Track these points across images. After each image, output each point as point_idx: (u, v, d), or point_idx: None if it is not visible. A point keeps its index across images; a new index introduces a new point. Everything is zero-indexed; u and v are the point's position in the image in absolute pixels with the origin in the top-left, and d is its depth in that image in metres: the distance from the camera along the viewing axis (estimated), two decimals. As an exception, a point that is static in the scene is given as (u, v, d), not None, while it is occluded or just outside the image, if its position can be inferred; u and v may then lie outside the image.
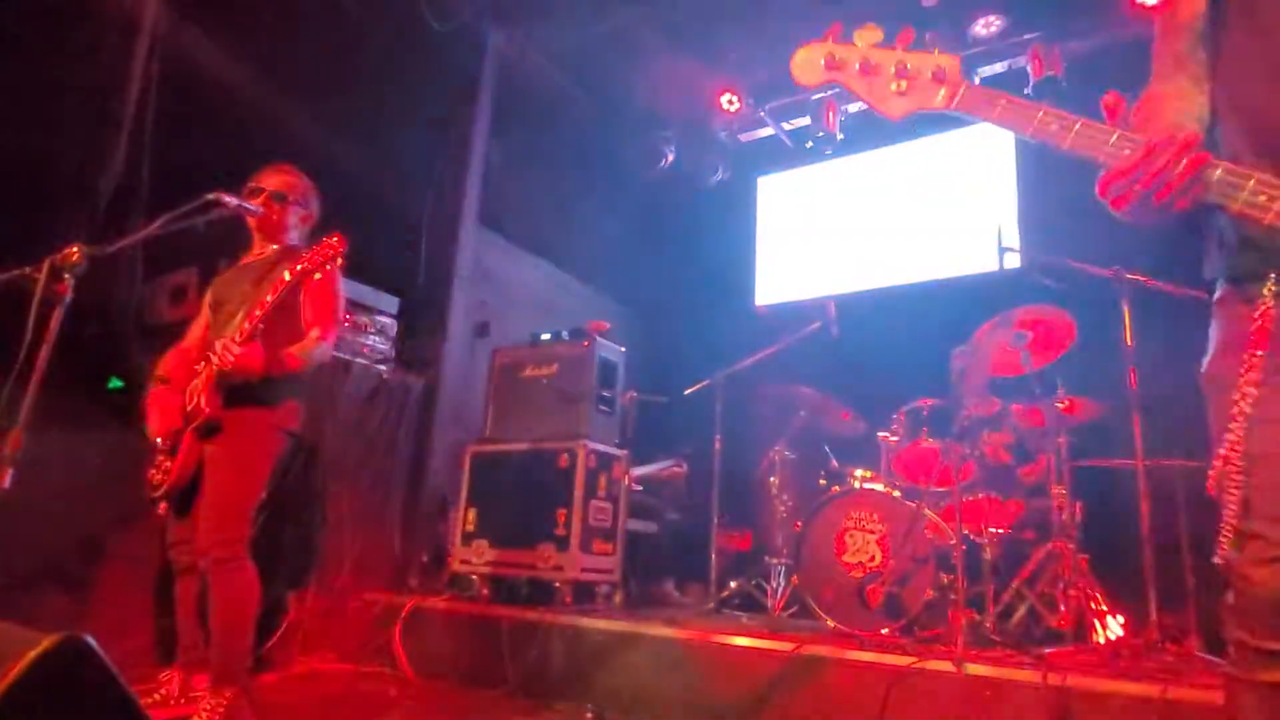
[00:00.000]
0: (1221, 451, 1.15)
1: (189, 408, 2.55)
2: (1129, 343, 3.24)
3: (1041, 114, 1.13)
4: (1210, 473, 1.17)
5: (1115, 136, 1.10)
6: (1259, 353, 1.11)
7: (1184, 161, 1.05)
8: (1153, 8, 1.16)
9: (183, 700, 2.60)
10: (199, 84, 3.99)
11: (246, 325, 2.44)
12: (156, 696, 2.63)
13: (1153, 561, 2.98)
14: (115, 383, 3.56)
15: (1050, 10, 5.09)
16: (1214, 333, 1.23)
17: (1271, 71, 1.10)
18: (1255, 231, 1.10)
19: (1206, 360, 1.24)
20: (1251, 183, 1.04)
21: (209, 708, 2.37)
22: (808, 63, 1.26)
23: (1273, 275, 1.10)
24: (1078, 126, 1.11)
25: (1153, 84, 1.27)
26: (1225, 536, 1.14)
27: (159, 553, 2.90)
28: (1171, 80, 1.24)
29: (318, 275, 2.50)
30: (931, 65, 1.19)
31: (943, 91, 1.18)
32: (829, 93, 5.84)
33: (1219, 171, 1.06)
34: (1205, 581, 3.23)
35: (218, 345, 2.45)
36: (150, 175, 3.68)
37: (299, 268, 2.44)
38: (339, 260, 2.50)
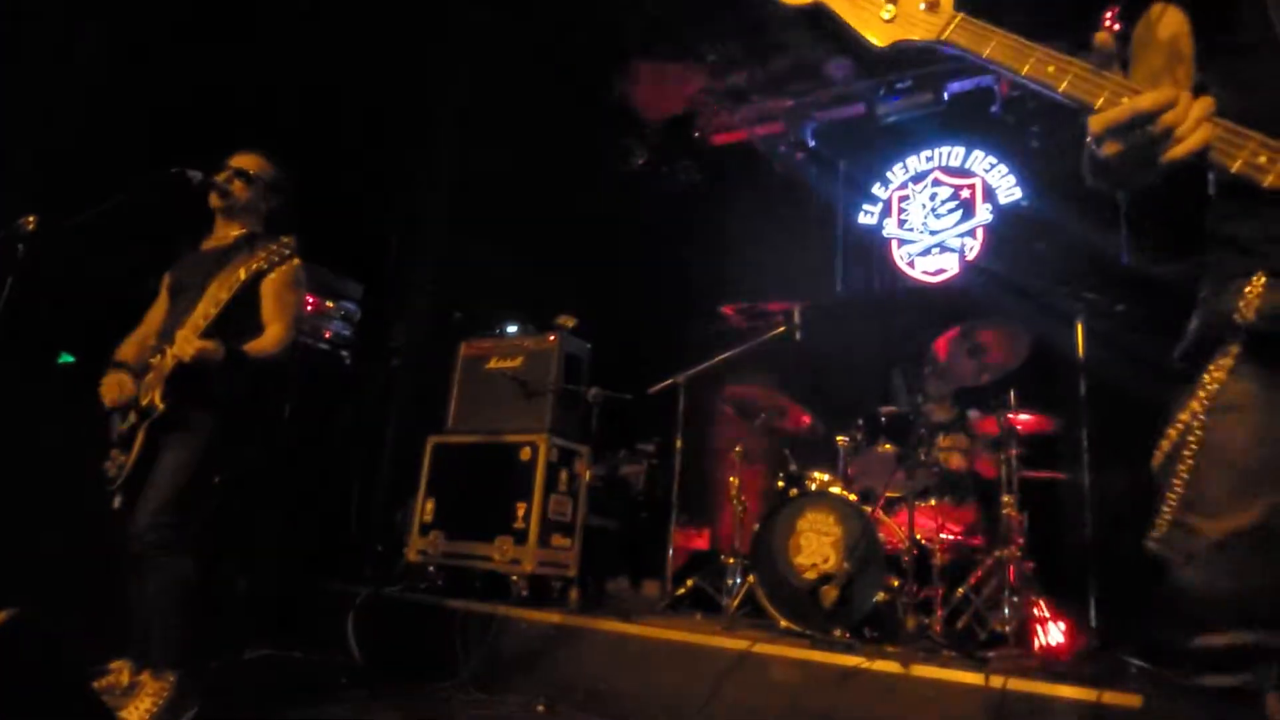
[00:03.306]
0: (1170, 431, 1.13)
1: (144, 402, 2.50)
2: (1080, 357, 3.34)
3: (1038, 54, 1.07)
4: (1157, 450, 1.16)
5: (1115, 84, 1.04)
6: (1235, 344, 1.10)
7: (1196, 110, 1.00)
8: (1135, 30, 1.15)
9: (131, 692, 2.55)
10: (169, 58, 3.90)
11: (203, 321, 2.40)
12: (103, 683, 2.58)
13: (1093, 572, 3.08)
14: (66, 357, 3.47)
15: (1019, 30, 5.20)
16: (1194, 321, 1.20)
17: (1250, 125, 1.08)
18: (1252, 221, 1.09)
19: (1181, 346, 1.21)
20: (1253, 143, 1.00)
21: (153, 693, 2.33)
22: None
23: (1259, 272, 1.08)
24: (1075, 69, 1.06)
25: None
26: (1163, 520, 1.13)
27: (107, 538, 2.84)
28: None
29: (272, 275, 2.47)
30: None
31: (934, 22, 1.12)
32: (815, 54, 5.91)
33: (1220, 130, 1.01)
34: (1143, 592, 3.35)
35: (177, 337, 2.39)
36: (112, 146, 3.59)
37: (254, 267, 2.40)
38: (294, 260, 2.46)
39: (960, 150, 5.96)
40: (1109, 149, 1.05)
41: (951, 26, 1.11)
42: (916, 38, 1.11)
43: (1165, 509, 1.12)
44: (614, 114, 6.33)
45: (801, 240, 6.44)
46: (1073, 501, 4.02)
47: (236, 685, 3.04)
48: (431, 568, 3.97)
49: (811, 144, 5.95)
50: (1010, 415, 3.64)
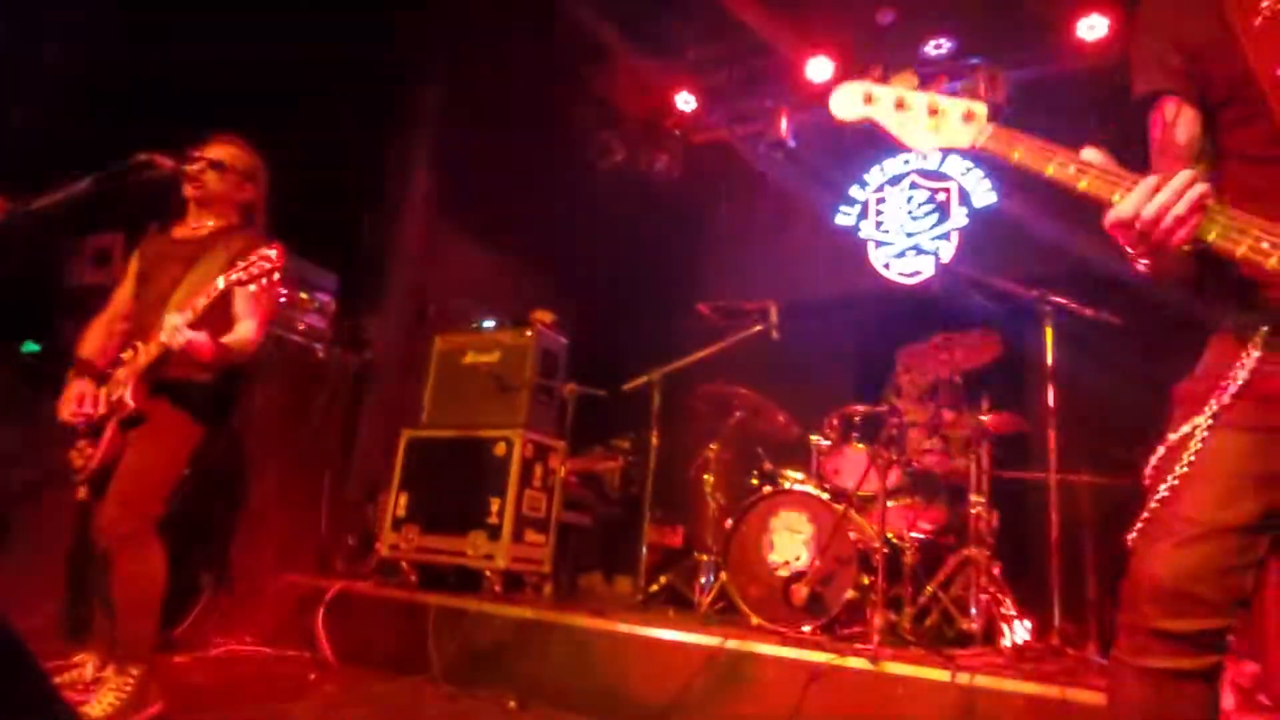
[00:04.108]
0: (1171, 439, 1.22)
1: (114, 398, 2.44)
2: (1049, 362, 3.40)
3: (1060, 157, 1.17)
4: (1150, 464, 1.24)
5: (1130, 181, 1.12)
6: (1224, 395, 1.19)
7: (1188, 196, 1.08)
8: (1149, 127, 1.24)
9: (94, 686, 2.50)
10: (136, 38, 3.82)
11: (191, 314, 2.33)
12: (67, 676, 2.54)
13: (1059, 571, 3.14)
14: (30, 346, 3.40)
15: (997, 38, 5.28)
16: (1204, 359, 1.29)
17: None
18: (1253, 289, 1.18)
19: (1188, 380, 1.29)
20: (1255, 230, 1.08)
21: (115, 687, 2.29)
22: (847, 98, 1.32)
23: (1265, 328, 1.17)
24: (1093, 170, 1.15)
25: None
26: (1139, 524, 1.21)
27: (69, 530, 2.79)
28: None
29: (252, 288, 2.37)
30: (963, 108, 1.26)
31: (969, 131, 1.24)
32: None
33: (1224, 216, 1.09)
34: (1106, 592, 3.42)
35: (167, 323, 2.32)
36: (80, 130, 3.51)
37: (233, 277, 2.32)
38: (276, 275, 2.39)
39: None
40: (1122, 240, 1.14)
41: (985, 136, 1.23)
42: (956, 146, 1.25)
43: (1152, 505, 1.21)
44: (594, 109, 6.32)
45: (778, 240, 6.48)
46: (1041, 502, 4.09)
47: (202, 680, 3.00)
48: (404, 562, 3.94)
49: (790, 144, 5.98)
50: (982, 415, 3.69)
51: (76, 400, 2.50)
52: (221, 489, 3.68)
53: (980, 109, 1.24)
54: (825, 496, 3.60)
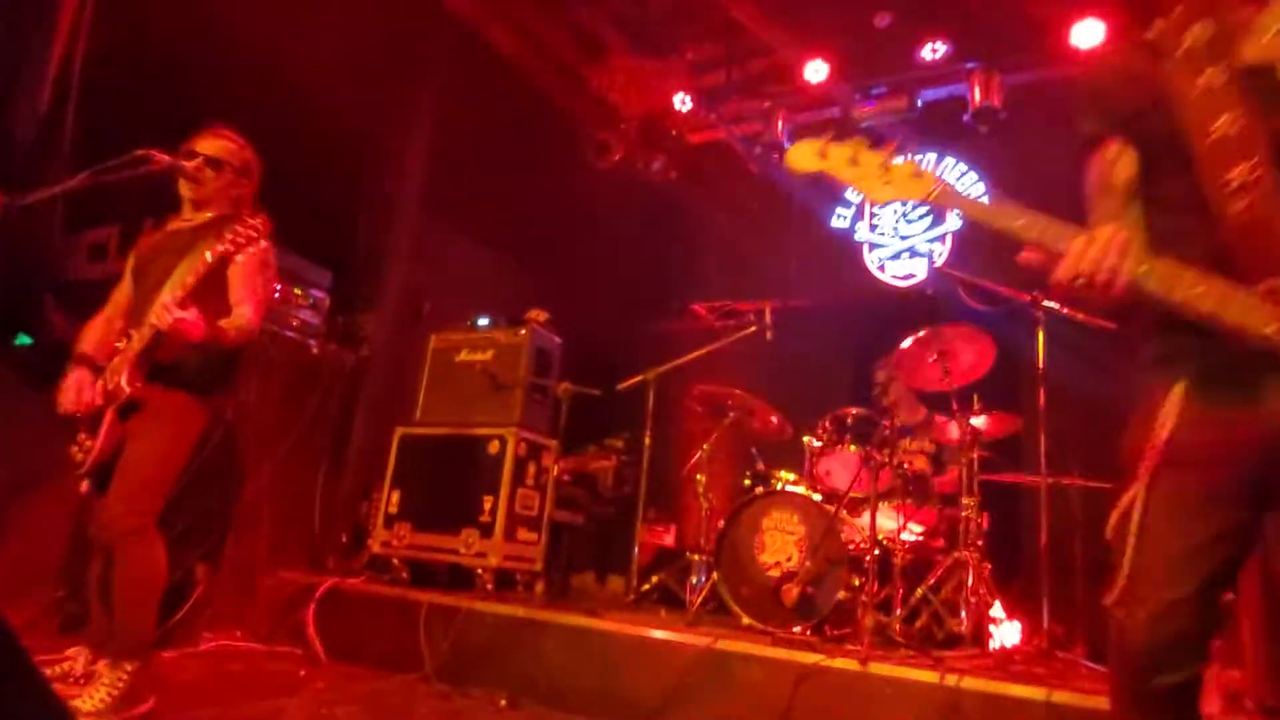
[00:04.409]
0: (1120, 504, 1.32)
1: (110, 387, 2.44)
2: (1041, 365, 3.42)
3: (1008, 210, 1.30)
4: (1110, 521, 1.34)
5: (1073, 231, 1.25)
6: (1163, 435, 1.28)
7: (1115, 245, 1.20)
8: (1086, 167, 1.37)
9: (85, 679, 2.50)
10: (133, 33, 3.81)
11: (181, 292, 2.33)
12: (58, 669, 2.53)
13: (1048, 574, 3.16)
14: (23, 339, 3.39)
15: (993, 42, 5.30)
16: (1138, 407, 1.37)
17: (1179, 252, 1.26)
18: (1178, 336, 1.28)
19: (1128, 434, 1.38)
20: (1189, 275, 1.18)
21: (108, 683, 2.29)
22: (803, 153, 1.43)
23: (1185, 380, 1.27)
24: (1040, 223, 1.27)
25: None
26: (1116, 585, 1.31)
27: (64, 524, 2.79)
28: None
29: (240, 258, 2.41)
30: (911, 168, 1.38)
31: (921, 186, 1.37)
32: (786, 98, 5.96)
33: (1161, 266, 1.20)
34: (1095, 595, 3.44)
35: (155, 306, 2.32)
36: (76, 124, 3.50)
37: (220, 250, 2.34)
38: (263, 242, 2.41)
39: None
40: (1071, 293, 1.27)
41: (934, 192, 1.37)
42: (907, 197, 1.38)
43: (1118, 576, 1.32)
44: (592, 109, 6.32)
45: (775, 241, 6.50)
46: (1032, 505, 4.11)
47: (193, 675, 3.00)
48: (396, 560, 3.94)
49: (787, 145, 5.99)
50: (973, 419, 3.71)
51: (75, 389, 2.50)
52: (214, 484, 3.67)
53: (927, 169, 1.38)
54: (817, 498, 3.61)
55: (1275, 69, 1.23)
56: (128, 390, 2.38)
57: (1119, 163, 1.38)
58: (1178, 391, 1.27)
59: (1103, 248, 1.19)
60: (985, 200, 1.33)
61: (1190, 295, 1.18)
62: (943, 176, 1.40)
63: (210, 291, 2.47)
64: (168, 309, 2.28)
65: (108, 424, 2.43)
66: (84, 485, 2.50)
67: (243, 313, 2.53)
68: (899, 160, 1.38)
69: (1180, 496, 1.28)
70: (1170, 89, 1.27)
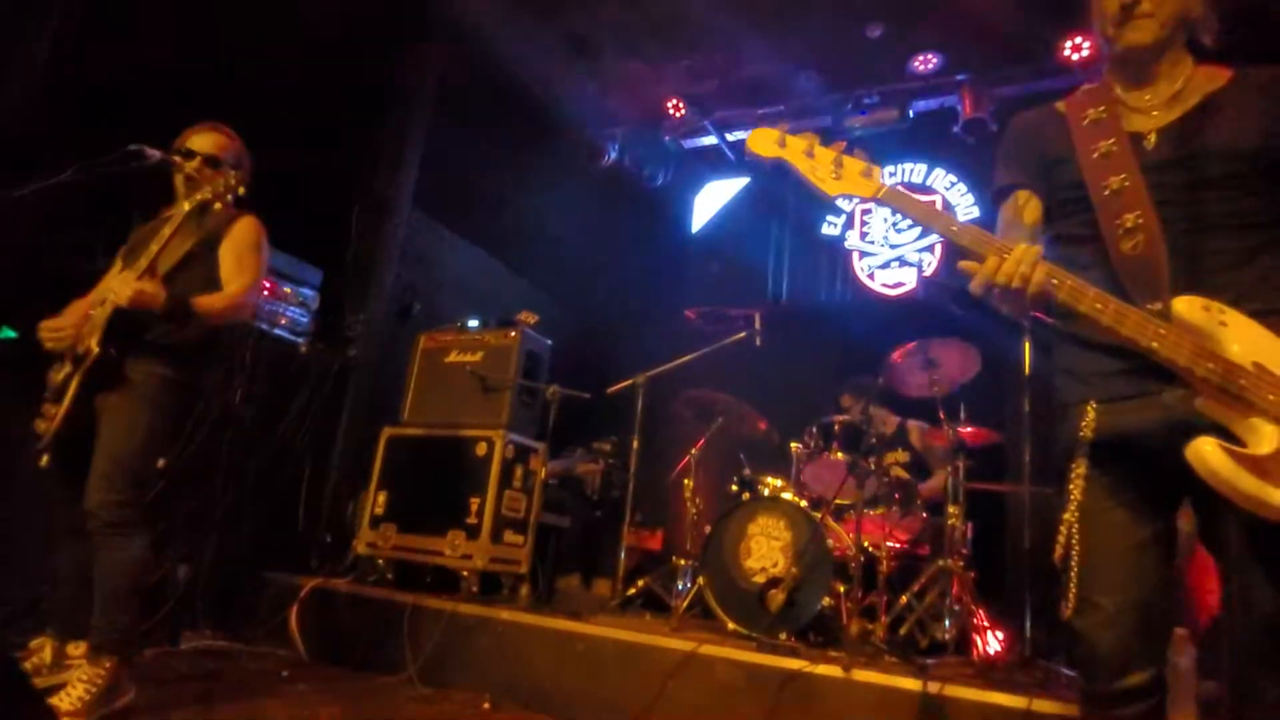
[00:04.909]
0: (1060, 530, 1.46)
1: (79, 350, 2.40)
2: (1026, 374, 3.44)
3: (945, 218, 1.50)
4: (1056, 545, 1.47)
5: (997, 244, 1.43)
6: (1084, 452, 1.45)
7: (1028, 259, 1.38)
8: (1001, 209, 1.69)
9: (56, 669, 2.47)
10: (123, 29, 3.79)
11: (144, 262, 2.33)
12: (28, 665, 2.49)
13: (1030, 583, 3.18)
14: (7, 332, 3.36)
15: (984, 54, 5.35)
16: (1061, 430, 1.54)
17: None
18: (1082, 352, 1.49)
19: (1057, 449, 1.54)
20: (1093, 292, 1.37)
21: (87, 678, 2.26)
22: (764, 138, 1.52)
23: (1092, 401, 1.46)
24: (970, 231, 1.45)
25: None
26: (1069, 600, 1.44)
27: (37, 516, 2.75)
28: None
29: (217, 206, 2.36)
30: (861, 166, 1.50)
31: (869, 184, 1.50)
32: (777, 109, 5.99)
33: (1071, 281, 1.37)
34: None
35: (115, 281, 2.31)
36: (65, 119, 3.48)
37: (198, 198, 2.33)
38: (240, 190, 2.36)
39: (922, 167, 6.10)
40: (988, 300, 1.45)
41: (882, 191, 1.49)
42: (856, 193, 1.50)
43: (1071, 590, 1.44)
44: (586, 112, 6.33)
45: (766, 247, 6.52)
46: (1016, 514, 4.14)
47: (173, 675, 2.98)
48: (381, 561, 3.93)
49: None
50: (959, 427, 3.73)
51: (53, 328, 2.49)
52: (199, 481, 3.65)
53: (876, 169, 1.50)
54: (803, 504, 3.62)
55: (1150, 139, 1.49)
56: (95, 350, 2.34)
57: (1027, 207, 1.62)
58: (1090, 410, 1.45)
59: (1018, 259, 1.37)
60: (925, 202, 1.46)
61: (1093, 308, 1.36)
62: (936, 186, 1.48)
63: (198, 264, 2.46)
64: (126, 283, 2.26)
65: (73, 392, 2.37)
66: (44, 459, 2.44)
67: (232, 290, 2.51)
68: (850, 158, 1.50)
69: (1110, 503, 1.43)
70: (1075, 150, 1.54)
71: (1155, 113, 1.52)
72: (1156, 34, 1.50)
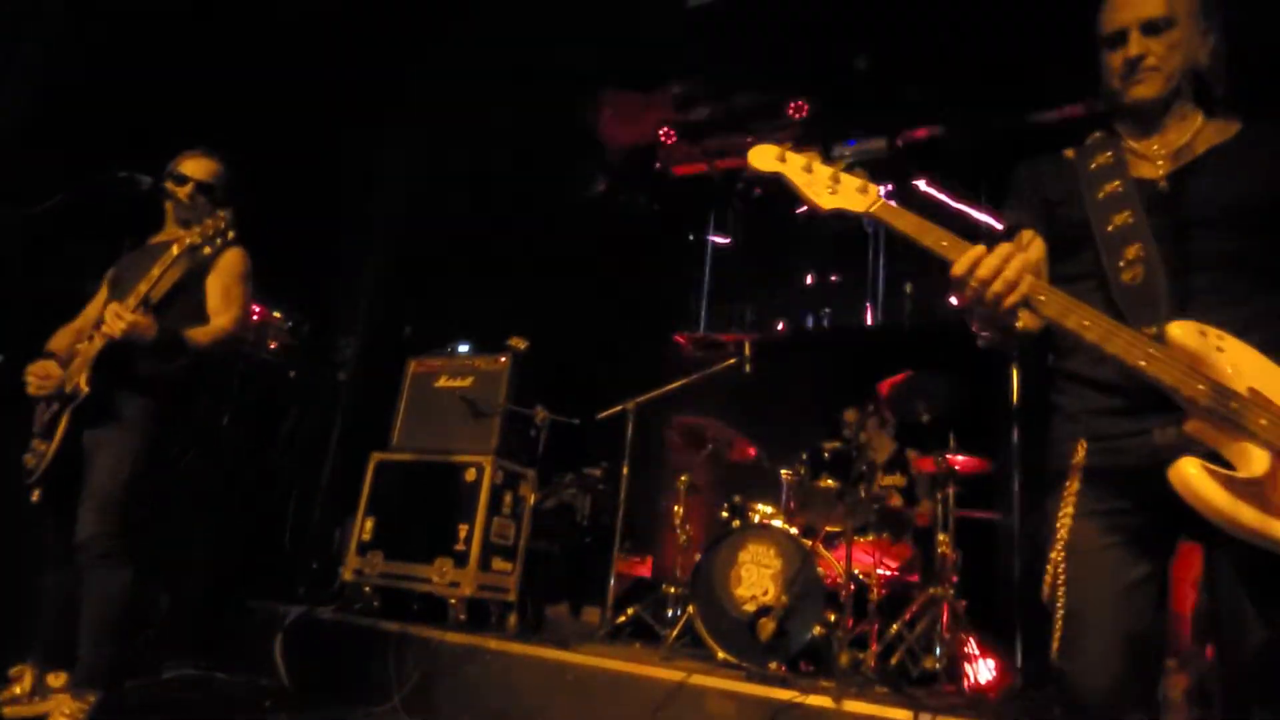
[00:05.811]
0: (1047, 569, 1.45)
1: (68, 388, 2.39)
2: (1014, 403, 3.46)
3: (936, 232, 1.42)
4: (1043, 583, 1.46)
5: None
6: (1073, 489, 1.44)
7: (1014, 261, 1.33)
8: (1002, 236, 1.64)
9: (36, 699, 2.42)
10: (114, 51, 3.81)
11: (133, 299, 2.32)
12: (7, 694, 2.45)
13: (1021, 611, 3.17)
14: (-7, 357, 3.33)
15: (974, 87, 5.42)
16: (1047, 462, 1.54)
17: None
18: (1072, 398, 1.50)
19: (1046, 479, 1.53)
20: (1082, 308, 1.35)
21: (69, 711, 2.22)
22: (764, 153, 1.55)
23: (1082, 439, 1.45)
24: (961, 245, 1.39)
25: None
26: (1057, 641, 1.43)
27: (18, 543, 2.71)
28: None
29: (206, 250, 2.36)
30: (858, 183, 1.50)
31: (864, 200, 1.48)
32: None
33: (1059, 297, 1.36)
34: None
35: (107, 314, 2.31)
36: (58, 139, 3.48)
37: (187, 242, 2.33)
38: (229, 234, 2.37)
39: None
40: (962, 302, 1.39)
41: (876, 205, 1.47)
42: (851, 209, 1.48)
43: (1058, 630, 1.43)
44: (577, 139, 6.38)
45: (755, 274, 6.56)
46: (1006, 542, 4.13)
47: (155, 705, 2.92)
48: (368, 588, 3.88)
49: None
50: (948, 455, 3.73)
51: (41, 373, 2.48)
52: (185, 507, 3.61)
53: (873, 187, 1.49)
54: (794, 532, 3.61)
55: (1156, 183, 1.51)
56: (85, 390, 2.33)
57: (1033, 245, 1.62)
58: (1080, 449, 1.45)
59: (1002, 257, 1.33)
60: (914, 220, 1.44)
61: (1080, 325, 1.33)
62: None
63: (186, 296, 2.46)
64: (118, 315, 2.26)
65: (63, 428, 2.37)
66: (35, 494, 2.43)
67: (219, 322, 2.52)
68: (848, 175, 1.50)
69: (1099, 543, 1.42)
70: (1081, 192, 1.57)
71: (1161, 161, 1.54)
72: (1162, 88, 1.53)
